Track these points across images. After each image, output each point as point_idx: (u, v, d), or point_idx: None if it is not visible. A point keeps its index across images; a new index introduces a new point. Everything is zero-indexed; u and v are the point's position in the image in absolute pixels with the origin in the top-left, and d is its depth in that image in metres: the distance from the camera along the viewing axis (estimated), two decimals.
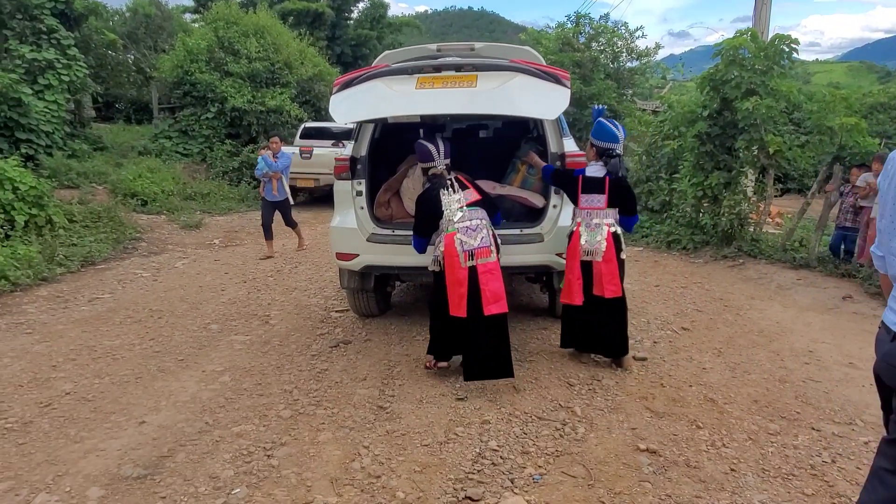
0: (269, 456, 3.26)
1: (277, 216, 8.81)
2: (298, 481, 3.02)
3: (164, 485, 2.98)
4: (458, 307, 3.98)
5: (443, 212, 4.13)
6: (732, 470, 3.14)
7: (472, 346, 4.04)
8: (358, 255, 4.94)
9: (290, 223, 9.04)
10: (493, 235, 4.17)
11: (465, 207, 4.14)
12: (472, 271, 3.99)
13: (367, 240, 4.91)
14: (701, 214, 8.87)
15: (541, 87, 4.09)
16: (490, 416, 3.69)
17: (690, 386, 4.18)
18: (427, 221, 4.25)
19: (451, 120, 7.72)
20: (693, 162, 8.72)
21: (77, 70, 13.17)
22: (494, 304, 3.97)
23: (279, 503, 2.84)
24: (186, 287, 6.92)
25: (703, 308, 6.06)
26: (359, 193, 5.04)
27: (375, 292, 5.49)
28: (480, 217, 4.15)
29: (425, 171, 4.36)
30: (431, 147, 4.24)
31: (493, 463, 3.19)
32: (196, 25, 22.13)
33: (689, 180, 8.79)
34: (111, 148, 14.31)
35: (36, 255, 7.19)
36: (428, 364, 4.37)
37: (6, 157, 8.61)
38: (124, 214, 10.05)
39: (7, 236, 7.54)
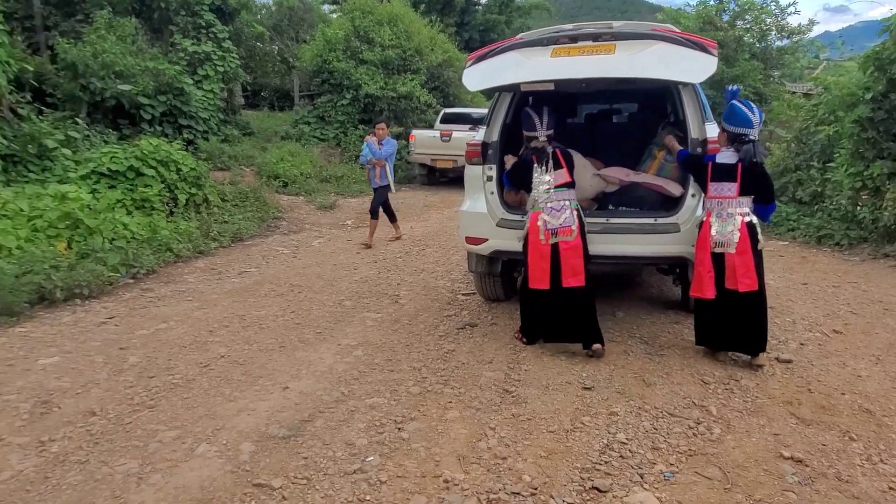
0: (399, 429, 3.41)
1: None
2: (427, 455, 3.14)
3: (305, 446, 3.21)
4: (538, 280, 4.35)
5: (531, 188, 4.43)
6: (892, 489, 2.86)
7: (553, 313, 4.40)
8: (487, 239, 5.00)
9: (374, 211, 8.54)
10: (578, 215, 4.39)
11: (552, 190, 4.35)
12: (555, 248, 4.31)
13: (497, 225, 4.95)
14: (859, 208, 8.04)
15: (684, 54, 3.96)
16: (618, 409, 3.61)
17: (843, 394, 3.84)
18: (516, 179, 4.68)
19: (584, 102, 7.57)
20: (851, 150, 7.92)
21: (230, 61, 14.33)
22: (573, 277, 4.30)
23: (409, 474, 2.97)
24: (322, 265, 7.35)
25: (859, 311, 5.51)
26: (489, 178, 5.09)
27: (502, 277, 5.53)
28: (567, 198, 4.38)
29: (527, 139, 4.51)
30: (535, 117, 4.41)
31: (621, 456, 3.13)
32: (334, 16, 23.21)
33: (845, 170, 8.00)
34: (257, 133, 15.46)
35: (195, 230, 7.95)
36: (517, 336, 4.73)
37: (171, 142, 9.54)
38: (268, 195, 10.84)
39: (171, 213, 8.40)
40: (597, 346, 4.36)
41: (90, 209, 7.07)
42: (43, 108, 10.38)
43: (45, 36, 12.65)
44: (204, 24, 14.25)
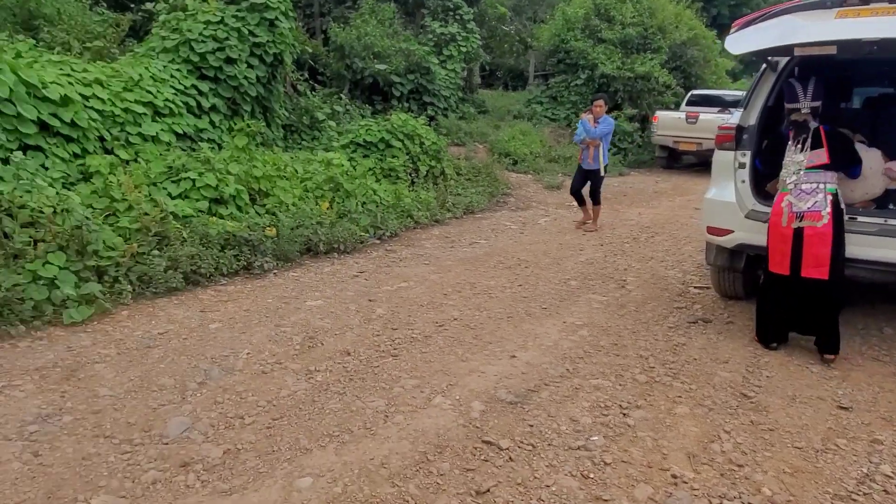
0: (624, 414, 3.36)
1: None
2: (654, 446, 3.05)
3: (531, 415, 3.33)
4: (778, 264, 4.05)
5: (781, 167, 4.12)
6: None
7: (790, 299, 4.09)
8: (732, 231, 4.63)
9: (595, 197, 8.21)
10: (834, 202, 3.93)
11: (803, 171, 3.99)
12: (799, 233, 3.95)
13: (746, 216, 4.56)
14: None
15: None
16: (883, 437, 3.15)
17: None
18: (766, 155, 4.44)
19: (862, 84, 6.58)
20: None
21: (472, 41, 14.98)
22: (815, 268, 3.92)
23: (635, 461, 2.92)
24: (548, 243, 7.44)
25: None
26: (741, 166, 4.69)
27: (744, 273, 5.09)
28: (822, 181, 3.96)
29: (788, 112, 4.17)
30: (798, 87, 4.05)
31: (885, 490, 2.73)
32: None
33: None
34: (491, 111, 16.01)
35: (432, 200, 8.55)
36: (757, 338, 4.37)
37: (416, 117, 10.31)
38: (498, 171, 11.21)
39: (413, 183, 9.12)
40: (829, 356, 3.96)
41: (348, 175, 7.96)
42: (315, 84, 11.89)
43: (320, 22, 14.42)
44: (452, 6, 15.05)
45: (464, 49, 14.79)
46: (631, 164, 14.81)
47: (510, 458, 2.92)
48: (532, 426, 3.21)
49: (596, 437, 3.12)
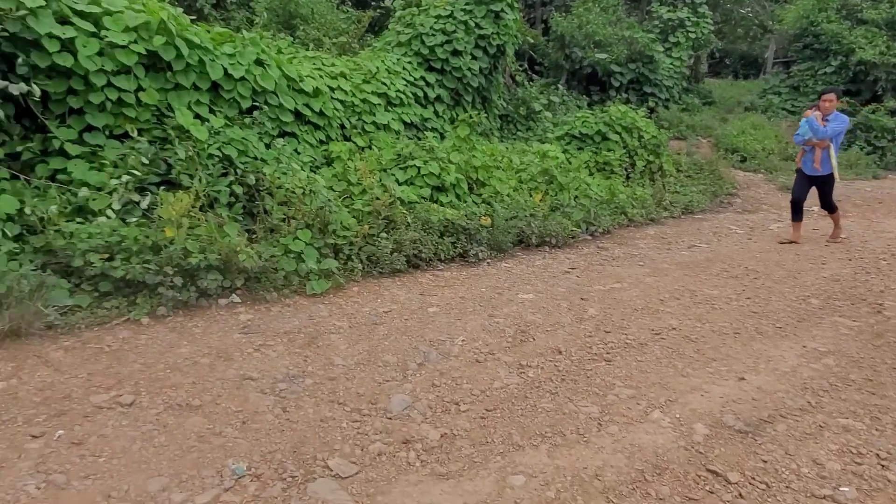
0: (883, 466, 2.87)
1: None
2: None
3: (765, 449, 2.98)
4: None
5: None
6: None
7: None
8: None
9: (829, 206, 7.08)
10: None
11: None
12: None
13: None
14: None
15: None
16: None
17: None
18: None
19: None
20: None
21: (703, 27, 13.89)
22: None
23: None
24: (782, 252, 6.65)
25: None
26: None
27: None
28: None
29: None
30: None
31: None
32: None
33: None
34: (718, 103, 14.74)
35: (648, 197, 8.11)
36: None
37: (636, 109, 9.83)
38: (723, 169, 10.29)
39: (628, 178, 8.74)
40: None
41: (562, 168, 7.86)
42: (533, 75, 11.92)
43: (541, 11, 14.39)
44: None
45: (692, 35, 13.75)
46: (889, 166, 12.69)
47: (740, 494, 2.65)
48: (766, 462, 2.88)
49: (846, 489, 2.70)
